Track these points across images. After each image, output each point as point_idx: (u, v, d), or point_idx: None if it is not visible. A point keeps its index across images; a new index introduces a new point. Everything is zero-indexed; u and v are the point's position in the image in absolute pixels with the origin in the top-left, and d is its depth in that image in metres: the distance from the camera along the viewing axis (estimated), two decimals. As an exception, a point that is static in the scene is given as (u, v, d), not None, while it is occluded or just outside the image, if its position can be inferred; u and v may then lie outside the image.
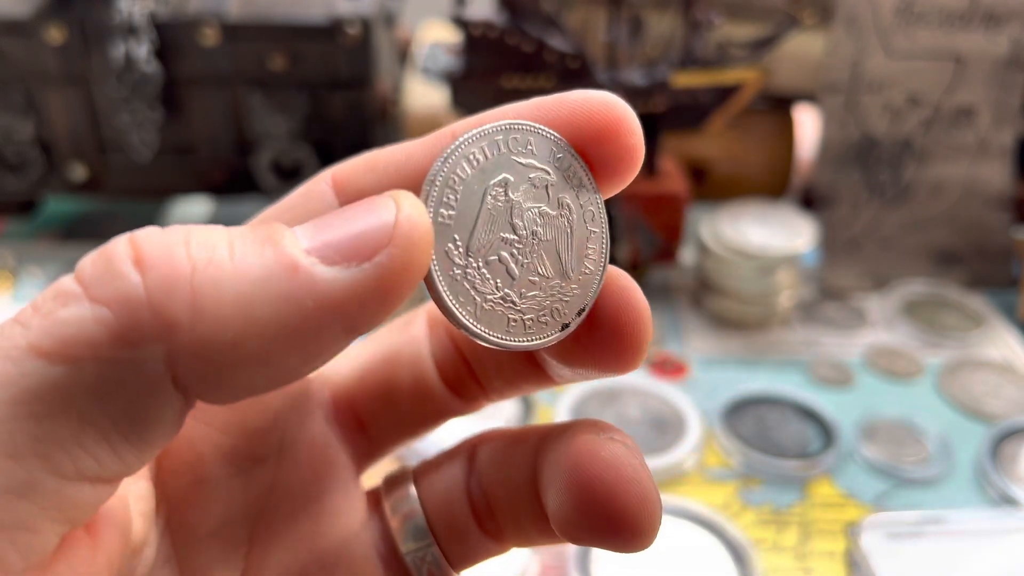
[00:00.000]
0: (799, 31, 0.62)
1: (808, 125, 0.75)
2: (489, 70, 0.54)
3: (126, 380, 0.13)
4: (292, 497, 0.19)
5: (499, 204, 0.16)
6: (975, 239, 0.62)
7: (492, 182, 0.16)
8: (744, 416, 0.49)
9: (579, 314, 0.17)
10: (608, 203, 0.18)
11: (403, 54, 0.76)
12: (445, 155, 0.16)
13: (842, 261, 0.62)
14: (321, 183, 0.18)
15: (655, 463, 0.45)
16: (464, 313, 0.16)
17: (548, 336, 0.17)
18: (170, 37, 0.57)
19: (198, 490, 0.18)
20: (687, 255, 0.63)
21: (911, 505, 0.43)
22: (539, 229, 0.17)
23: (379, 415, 0.21)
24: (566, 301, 0.17)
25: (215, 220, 0.69)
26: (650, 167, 0.59)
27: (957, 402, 0.51)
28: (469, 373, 0.20)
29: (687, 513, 0.42)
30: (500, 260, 0.16)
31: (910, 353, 0.55)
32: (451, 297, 0.16)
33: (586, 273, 0.17)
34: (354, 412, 0.21)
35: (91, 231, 0.66)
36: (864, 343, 0.56)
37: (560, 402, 0.48)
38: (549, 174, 0.17)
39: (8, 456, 0.13)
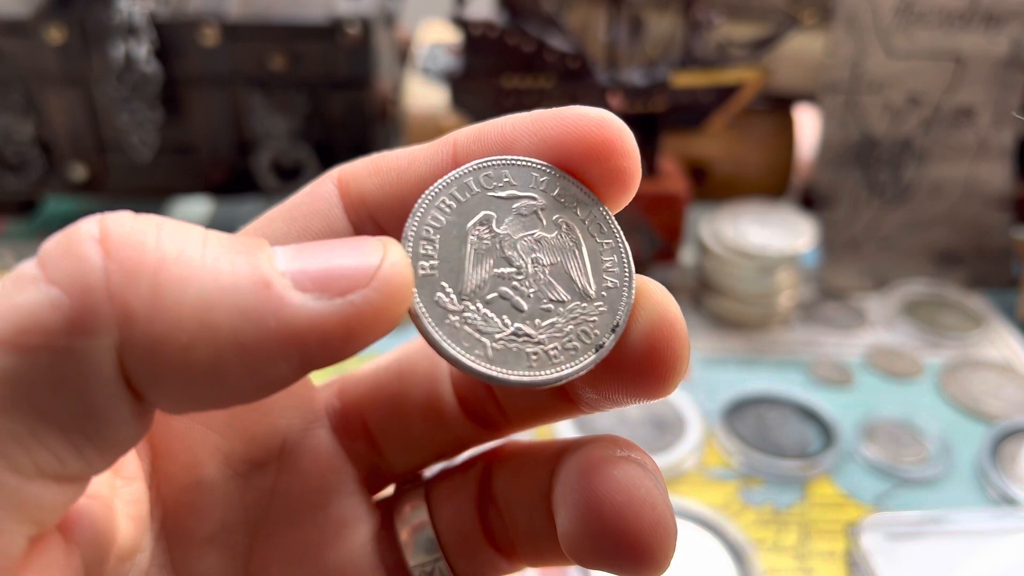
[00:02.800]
0: (799, 31, 0.62)
1: (808, 125, 0.75)
2: (489, 70, 0.54)
3: (79, 371, 0.13)
4: (293, 506, 0.19)
5: (485, 241, 0.16)
6: (975, 239, 0.62)
7: (472, 222, 0.16)
8: (744, 416, 0.49)
9: (613, 331, 0.16)
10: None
11: (403, 54, 0.76)
12: (412, 211, 0.16)
13: (842, 261, 0.62)
14: (327, 183, 0.18)
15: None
16: (472, 359, 0.15)
17: (582, 362, 0.16)
18: (170, 37, 0.57)
19: (195, 494, 0.18)
20: (687, 255, 0.63)
21: (911, 505, 0.43)
22: (539, 255, 0.16)
23: (390, 431, 0.20)
24: (593, 321, 0.16)
25: (215, 220, 0.69)
26: (650, 167, 0.59)
27: (957, 402, 0.51)
28: (491, 398, 0.19)
29: (687, 513, 0.42)
30: (502, 296, 0.16)
31: (910, 353, 0.55)
32: (452, 345, 0.15)
33: (610, 287, 0.16)
34: (364, 425, 0.20)
35: (91, 231, 0.66)
36: (864, 343, 0.56)
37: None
38: (536, 199, 0.16)
39: None
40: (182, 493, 0.18)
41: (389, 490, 0.21)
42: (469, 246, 0.16)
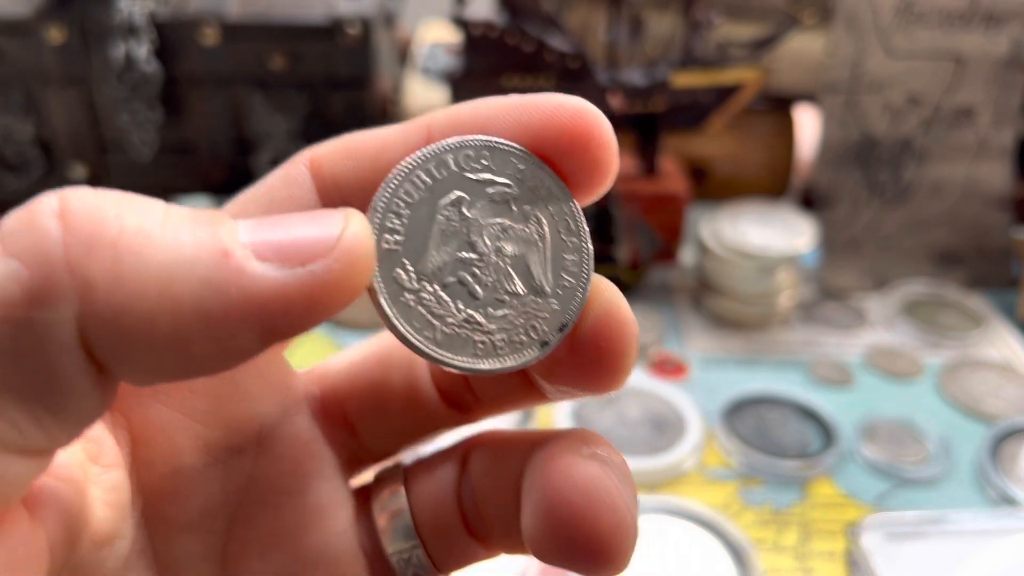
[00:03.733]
0: (799, 31, 0.62)
1: (808, 125, 0.75)
2: (489, 70, 0.54)
3: (38, 342, 0.13)
4: (272, 490, 0.19)
5: (453, 223, 0.16)
6: (975, 239, 0.62)
7: (443, 202, 0.16)
8: (744, 416, 0.49)
9: (560, 330, 0.16)
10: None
11: (403, 54, 0.76)
12: (387, 180, 0.16)
13: (842, 261, 0.62)
14: (299, 164, 0.18)
15: (655, 463, 0.45)
16: (421, 339, 0.15)
17: (524, 356, 0.16)
18: (170, 37, 0.57)
19: (174, 480, 0.18)
20: (687, 255, 0.63)
21: (911, 505, 0.43)
22: (504, 245, 0.16)
23: (369, 418, 0.20)
24: (544, 318, 0.16)
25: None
26: (650, 167, 0.59)
27: (957, 402, 0.51)
28: (466, 384, 0.19)
29: (687, 513, 0.42)
30: (460, 282, 0.16)
31: (910, 353, 0.55)
32: (404, 324, 0.15)
33: (566, 287, 0.16)
34: (343, 411, 0.20)
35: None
36: (864, 343, 0.56)
37: (560, 402, 0.48)
38: (510, 187, 0.16)
39: None
40: (162, 480, 0.18)
41: (369, 476, 0.21)
42: (436, 226, 0.16)
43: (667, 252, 0.60)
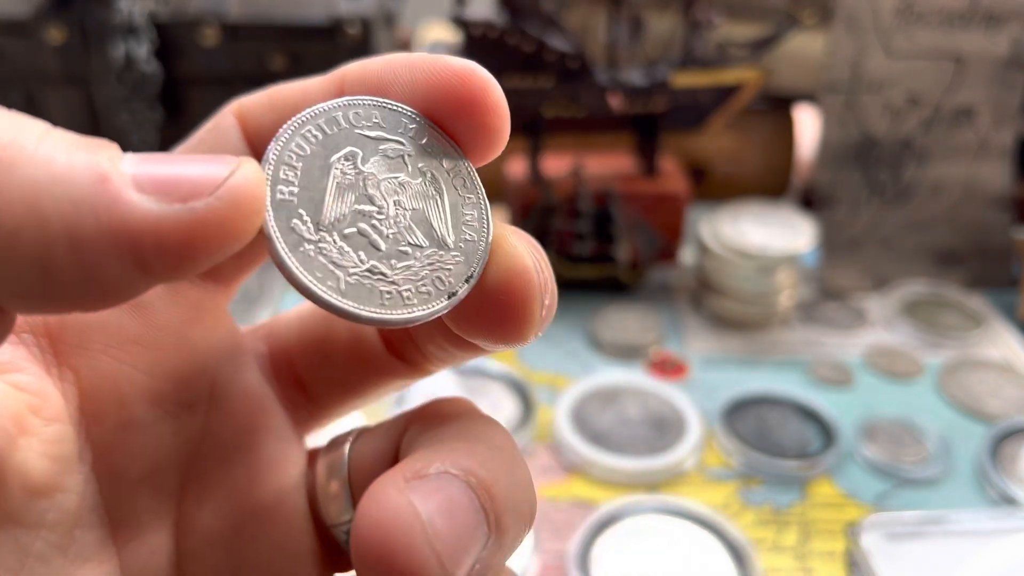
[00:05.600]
0: (799, 31, 0.62)
1: (808, 125, 0.75)
2: (489, 70, 0.54)
3: None
4: (224, 446, 0.19)
5: (348, 177, 0.16)
6: (975, 239, 0.62)
7: (337, 156, 0.16)
8: (744, 416, 0.49)
9: (467, 281, 0.16)
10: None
11: (403, 54, 0.75)
12: (277, 135, 0.15)
13: (842, 261, 0.62)
14: (228, 115, 0.18)
15: (655, 463, 0.45)
16: (323, 289, 0.15)
17: (434, 306, 0.16)
18: (170, 37, 0.57)
19: (124, 434, 0.18)
20: (687, 255, 0.63)
21: (911, 505, 0.43)
22: (401, 199, 0.16)
23: (316, 371, 0.20)
24: (448, 270, 0.16)
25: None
26: (650, 167, 0.59)
27: (957, 402, 0.51)
28: (409, 338, 0.19)
29: (687, 513, 0.42)
30: (360, 232, 0.16)
31: (910, 353, 0.55)
32: (305, 273, 0.15)
33: (468, 240, 0.16)
34: (292, 366, 0.20)
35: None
36: (864, 343, 0.56)
37: (560, 403, 0.48)
38: (403, 144, 0.16)
39: None
40: (112, 434, 0.18)
41: (319, 437, 0.21)
42: (332, 179, 0.16)
43: (667, 252, 0.60)
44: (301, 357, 0.20)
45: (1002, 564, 0.39)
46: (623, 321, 0.56)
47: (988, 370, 0.53)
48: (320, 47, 0.58)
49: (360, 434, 0.20)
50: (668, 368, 0.53)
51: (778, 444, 0.47)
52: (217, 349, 0.19)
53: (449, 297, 0.16)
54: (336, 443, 0.20)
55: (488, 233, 0.17)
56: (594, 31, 0.63)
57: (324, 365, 0.20)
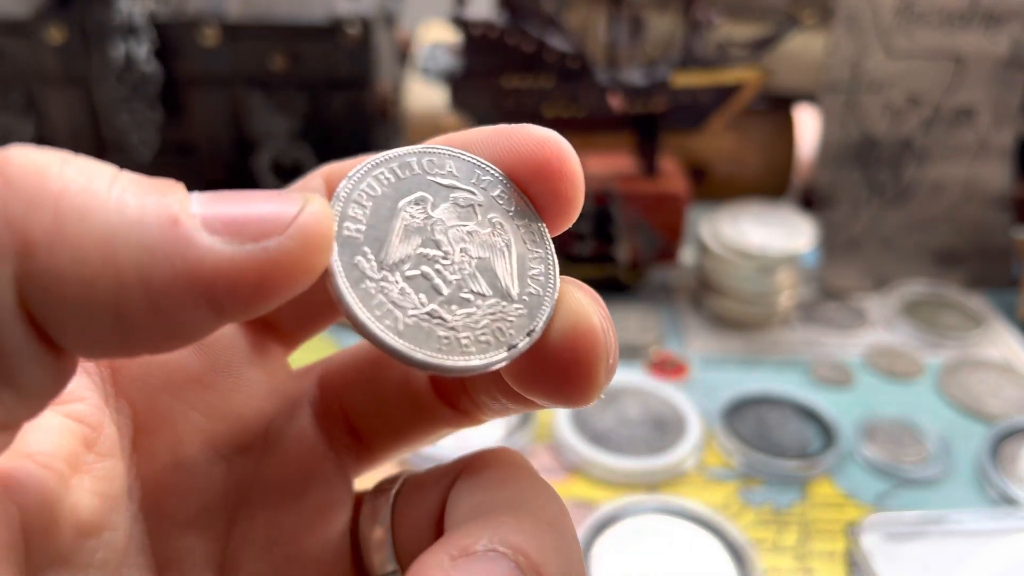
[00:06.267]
0: (799, 31, 0.62)
1: (808, 125, 0.75)
2: (489, 70, 0.54)
3: None
4: (274, 491, 0.19)
5: (417, 220, 0.16)
6: (975, 239, 0.62)
7: (407, 199, 0.16)
8: (744, 416, 0.49)
9: (528, 335, 0.16)
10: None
11: (403, 54, 0.76)
12: (351, 173, 0.15)
13: (842, 261, 0.62)
14: (316, 178, 0.18)
15: (655, 463, 0.45)
16: (380, 327, 0.15)
17: (491, 357, 0.15)
18: (170, 37, 0.57)
19: (175, 474, 0.18)
20: (687, 255, 0.63)
21: (911, 505, 0.43)
22: (468, 247, 0.16)
23: (367, 415, 0.20)
24: (510, 321, 0.16)
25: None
26: (650, 167, 0.59)
27: (957, 402, 0.51)
28: (460, 384, 0.19)
29: (687, 513, 0.42)
30: (424, 275, 0.15)
31: (910, 353, 0.55)
32: (364, 310, 0.15)
33: (532, 293, 0.16)
34: (342, 409, 0.20)
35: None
36: (864, 343, 0.56)
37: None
38: (475, 195, 0.16)
39: None
40: (163, 473, 0.17)
41: (370, 481, 0.21)
42: (400, 221, 0.15)
43: (667, 252, 0.60)
44: (352, 400, 0.20)
45: (1002, 564, 0.39)
46: (623, 321, 0.56)
47: (988, 370, 0.53)
48: (320, 47, 0.58)
49: (406, 480, 0.19)
50: (668, 368, 0.53)
51: (778, 444, 0.47)
52: (275, 394, 0.19)
53: (509, 349, 0.16)
54: (381, 489, 0.20)
55: (554, 289, 0.16)
56: (594, 31, 0.63)
57: (375, 409, 0.20)
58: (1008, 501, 0.44)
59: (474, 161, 0.16)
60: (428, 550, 0.15)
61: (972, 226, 0.62)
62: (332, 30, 0.57)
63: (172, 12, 0.57)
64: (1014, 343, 0.56)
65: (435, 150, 0.16)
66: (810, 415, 0.49)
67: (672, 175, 0.60)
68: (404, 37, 0.77)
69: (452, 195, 0.16)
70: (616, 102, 0.56)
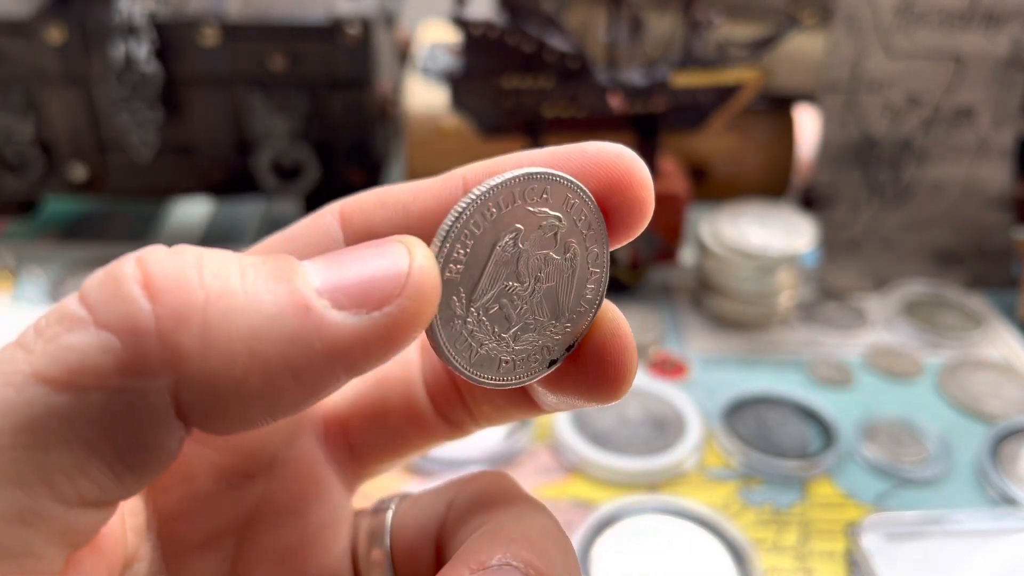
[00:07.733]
0: (799, 31, 0.62)
1: (808, 125, 0.75)
2: (489, 70, 0.54)
3: (131, 410, 0.13)
4: (277, 511, 0.20)
5: (507, 254, 0.16)
6: (975, 239, 0.62)
7: (504, 234, 0.16)
8: (744, 416, 0.49)
9: (567, 350, 0.18)
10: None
11: (403, 54, 0.76)
12: (460, 209, 0.16)
13: (842, 261, 0.62)
14: (327, 215, 0.18)
15: (655, 463, 0.45)
16: (461, 360, 0.16)
17: (534, 374, 0.17)
18: (170, 37, 0.57)
19: (188, 504, 0.18)
20: (687, 255, 0.63)
21: (911, 505, 0.43)
22: (541, 275, 0.17)
23: (368, 435, 0.21)
24: (557, 339, 0.17)
25: (215, 220, 0.69)
26: (650, 167, 0.59)
27: (957, 402, 0.51)
28: (459, 399, 0.20)
29: (687, 513, 0.42)
30: (500, 307, 0.17)
31: (910, 353, 0.55)
32: (449, 347, 0.16)
33: (579, 311, 0.18)
34: (344, 431, 0.21)
35: (91, 231, 0.66)
36: (864, 343, 0.56)
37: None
38: (560, 221, 0.17)
39: (12, 484, 0.13)
40: (177, 504, 0.18)
41: (368, 499, 0.21)
42: (493, 257, 0.16)
43: (667, 252, 0.60)
44: (354, 423, 0.21)
45: (1002, 564, 0.39)
46: (623, 321, 0.56)
47: (988, 370, 0.53)
48: (320, 47, 0.58)
49: (402, 500, 0.20)
50: (668, 368, 0.53)
51: (778, 444, 0.47)
52: (281, 423, 0.20)
53: (549, 365, 0.17)
54: (379, 509, 0.20)
55: (599, 305, 0.18)
56: (594, 31, 0.63)
57: (376, 428, 0.21)
58: (1008, 501, 0.44)
59: (567, 183, 0.17)
60: (447, 566, 0.16)
61: (972, 226, 0.62)
62: (332, 30, 0.57)
63: (172, 12, 0.57)
64: (1014, 343, 0.56)
65: (538, 175, 0.17)
66: (810, 415, 0.49)
67: (672, 175, 0.60)
68: (404, 37, 0.77)
69: (542, 223, 0.17)
70: (616, 102, 0.56)
